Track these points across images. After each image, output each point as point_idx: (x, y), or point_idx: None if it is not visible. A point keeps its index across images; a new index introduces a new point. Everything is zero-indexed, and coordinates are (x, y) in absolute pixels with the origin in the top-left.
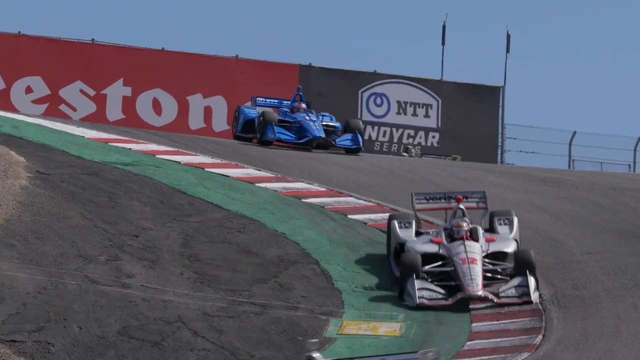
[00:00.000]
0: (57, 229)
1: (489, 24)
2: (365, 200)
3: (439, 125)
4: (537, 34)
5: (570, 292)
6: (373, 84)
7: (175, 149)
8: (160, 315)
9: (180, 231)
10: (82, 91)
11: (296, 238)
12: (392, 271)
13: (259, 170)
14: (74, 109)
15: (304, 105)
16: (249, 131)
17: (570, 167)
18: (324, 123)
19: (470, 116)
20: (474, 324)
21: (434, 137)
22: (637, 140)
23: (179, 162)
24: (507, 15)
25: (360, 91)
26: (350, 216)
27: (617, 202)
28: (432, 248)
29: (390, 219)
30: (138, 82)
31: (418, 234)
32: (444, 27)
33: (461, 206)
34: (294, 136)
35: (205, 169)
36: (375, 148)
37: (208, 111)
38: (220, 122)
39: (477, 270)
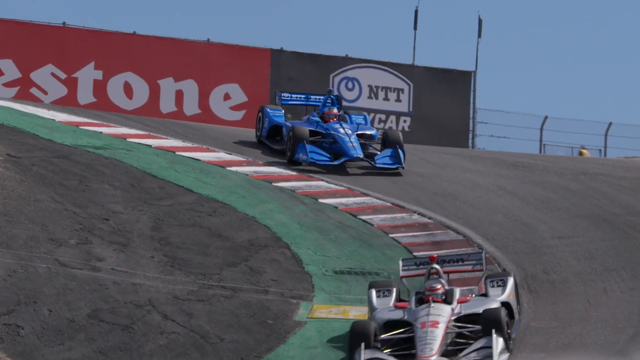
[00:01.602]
0: (28, 212)
1: (461, 9)
2: (336, 185)
3: (411, 109)
4: (509, 19)
5: (541, 276)
6: (344, 68)
7: (146, 133)
8: (130, 299)
9: (150, 215)
10: (53, 74)
11: (267, 222)
12: (362, 255)
13: (230, 154)
14: (45, 92)
15: (335, 111)
16: (275, 136)
17: (541, 152)
18: (358, 132)
19: (442, 101)
20: None
21: (405, 121)
22: (608, 126)
23: (150, 146)
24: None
25: (331, 75)
26: (321, 200)
27: (588, 187)
28: (396, 315)
29: (369, 287)
30: (109, 66)
31: (402, 302)
32: (416, 11)
33: (436, 266)
34: (328, 157)
35: (176, 153)
36: None
37: (179, 95)
38: (192, 106)
39: (436, 334)
